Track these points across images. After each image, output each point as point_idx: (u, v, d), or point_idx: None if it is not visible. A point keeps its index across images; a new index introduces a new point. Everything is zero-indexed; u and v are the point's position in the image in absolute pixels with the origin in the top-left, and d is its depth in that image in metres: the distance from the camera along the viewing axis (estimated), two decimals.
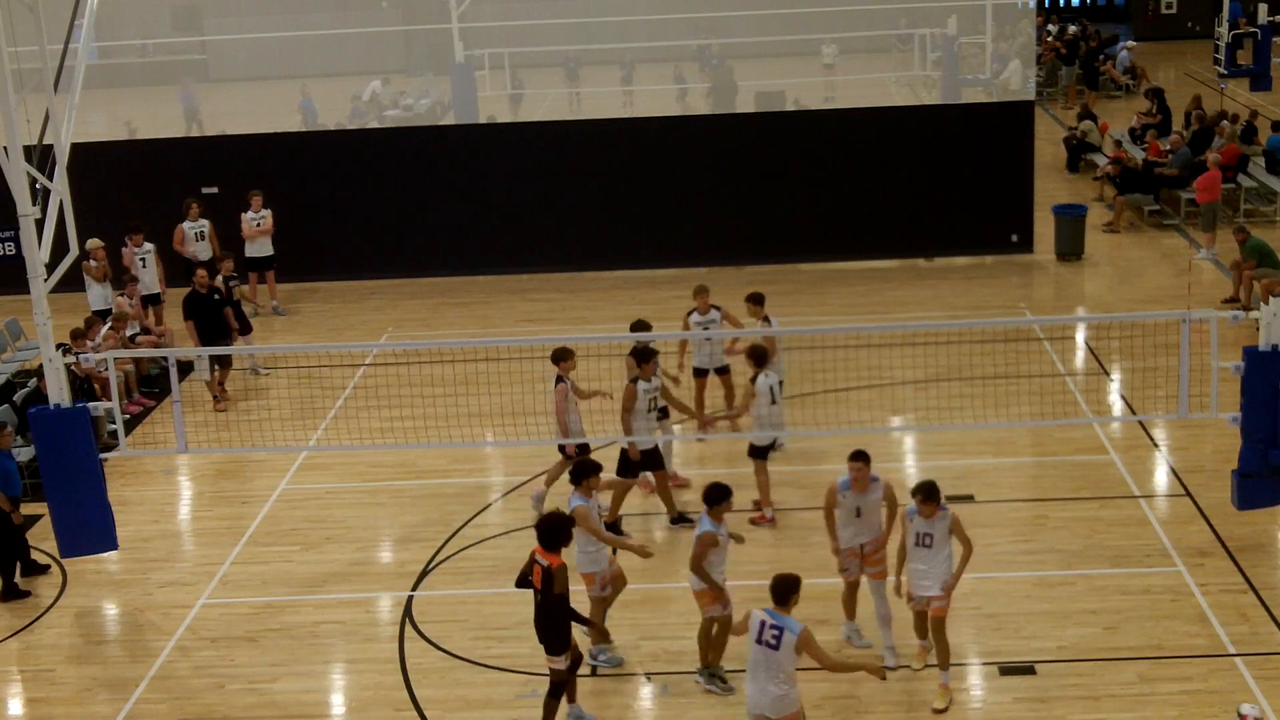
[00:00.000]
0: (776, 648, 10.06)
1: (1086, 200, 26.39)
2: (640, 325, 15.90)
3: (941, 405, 17.18)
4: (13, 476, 14.18)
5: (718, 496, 11.77)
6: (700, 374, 16.80)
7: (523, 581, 11.31)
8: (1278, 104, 33.17)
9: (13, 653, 13.18)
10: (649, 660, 12.47)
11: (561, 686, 11.28)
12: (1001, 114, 24.59)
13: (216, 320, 18.96)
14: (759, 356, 14.49)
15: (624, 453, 14.77)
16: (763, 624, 10.14)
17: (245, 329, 20.17)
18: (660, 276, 23.93)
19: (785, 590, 10.20)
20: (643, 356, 14.68)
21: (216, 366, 18.96)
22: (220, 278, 19.58)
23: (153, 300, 21.22)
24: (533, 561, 11.06)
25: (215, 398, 18.84)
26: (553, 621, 11.04)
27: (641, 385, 14.62)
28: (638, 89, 29.51)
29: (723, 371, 16.80)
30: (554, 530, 11.04)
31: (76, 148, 14.03)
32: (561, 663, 11.16)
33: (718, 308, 16.70)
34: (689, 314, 16.75)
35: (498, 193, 24.27)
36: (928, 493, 11.46)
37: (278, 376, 19.67)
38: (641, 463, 14.67)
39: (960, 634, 12.57)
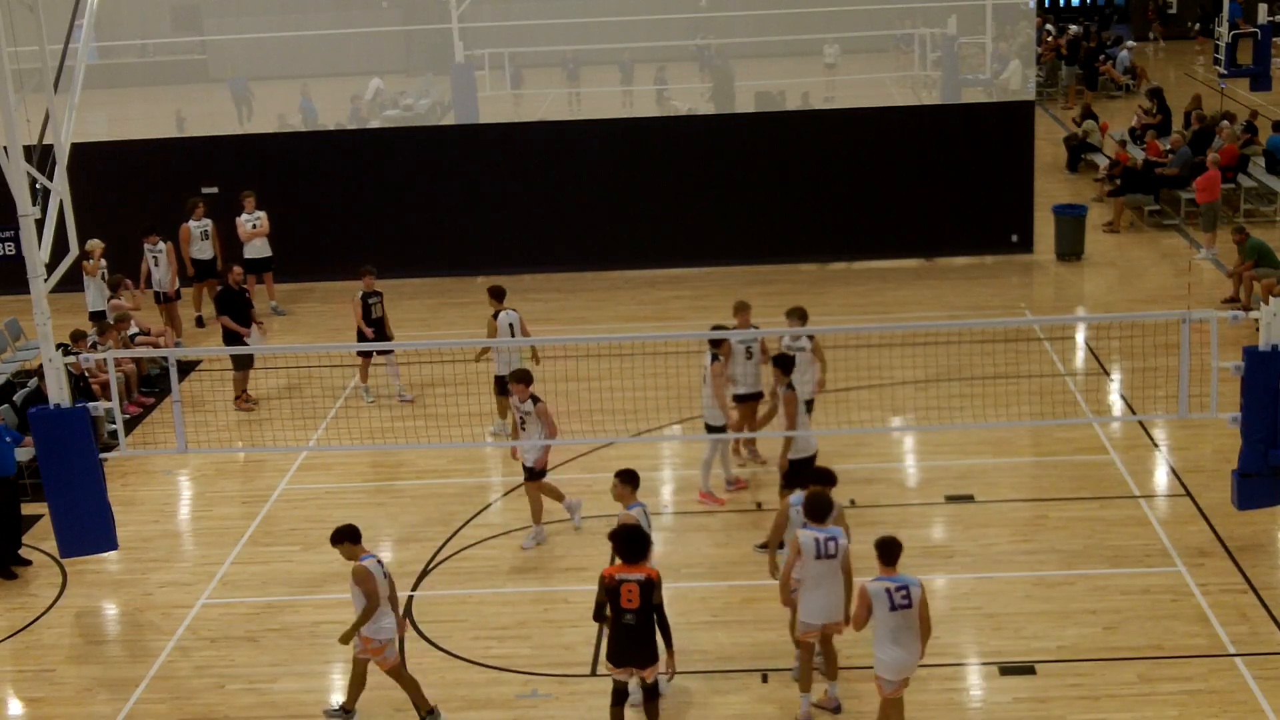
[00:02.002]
0: (910, 605, 10.25)
1: (1086, 200, 26.40)
2: (718, 326, 15.62)
3: (941, 405, 17.19)
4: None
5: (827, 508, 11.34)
6: (741, 400, 15.73)
7: (600, 613, 10.67)
8: (1278, 104, 33.17)
9: (13, 653, 13.17)
10: None
11: (625, 694, 10.95)
12: (1001, 114, 24.60)
13: (245, 320, 18.94)
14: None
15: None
16: (888, 590, 10.25)
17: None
18: (660, 276, 23.95)
19: (893, 551, 10.35)
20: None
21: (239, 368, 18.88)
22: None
23: (165, 299, 21.30)
24: (617, 583, 10.46)
25: (237, 396, 18.74)
26: (652, 633, 10.62)
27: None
28: (638, 89, 29.52)
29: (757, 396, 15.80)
30: (637, 542, 10.57)
31: (76, 148, 14.02)
32: (655, 672, 10.77)
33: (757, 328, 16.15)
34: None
35: (498, 193, 24.28)
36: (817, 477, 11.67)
37: (278, 377, 19.64)
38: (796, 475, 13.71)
39: (960, 634, 12.58)
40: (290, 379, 19.71)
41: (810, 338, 15.45)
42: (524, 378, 14.28)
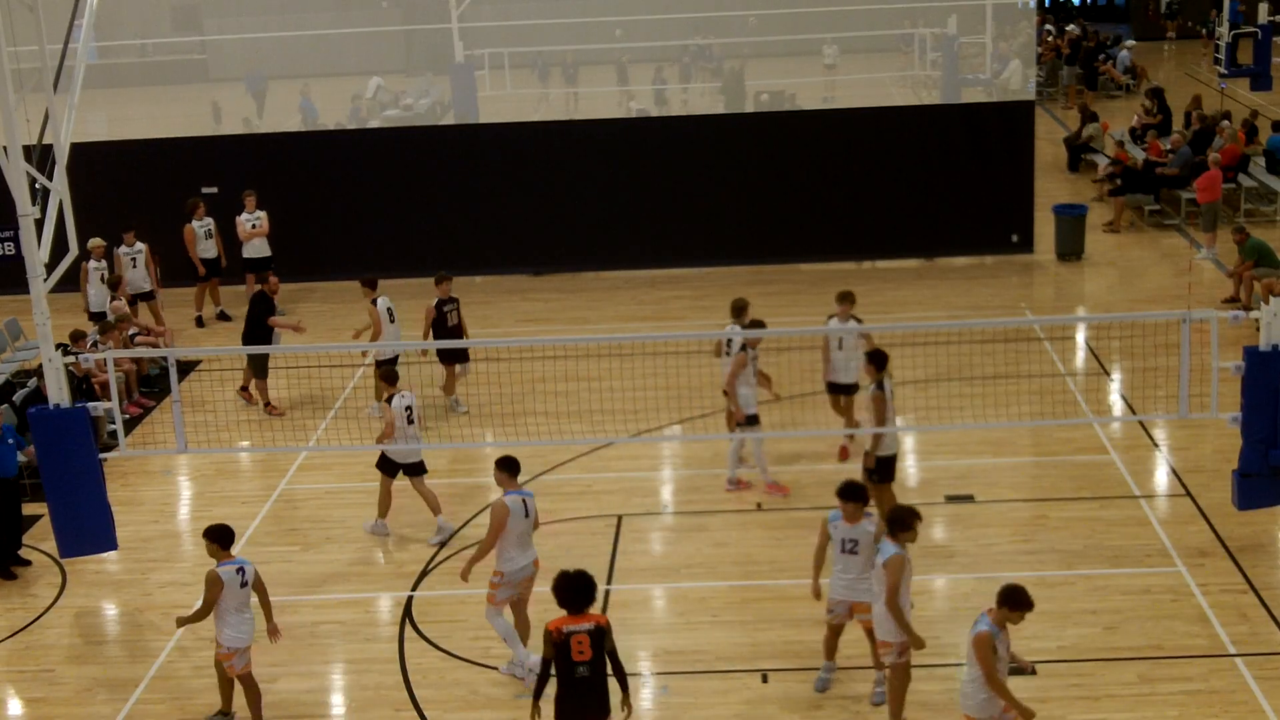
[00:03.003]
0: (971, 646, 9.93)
1: (1086, 200, 26.40)
2: (754, 322, 15.55)
3: (941, 405, 17.17)
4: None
5: (904, 520, 10.69)
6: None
7: (546, 672, 9.98)
8: (1278, 104, 33.17)
9: (13, 653, 13.17)
10: (649, 659, 12.46)
11: None
12: (1001, 114, 24.59)
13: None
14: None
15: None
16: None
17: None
18: (660, 276, 23.95)
19: (1002, 597, 9.77)
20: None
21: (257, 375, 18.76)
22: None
23: (145, 297, 21.28)
24: (565, 636, 9.78)
25: (267, 404, 18.67)
26: (606, 684, 9.95)
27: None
28: (637, 89, 29.51)
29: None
30: (582, 589, 9.88)
31: (76, 148, 14.02)
32: None
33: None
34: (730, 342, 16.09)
35: (498, 193, 24.28)
36: (849, 493, 11.20)
37: (277, 377, 19.62)
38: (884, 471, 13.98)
39: (960, 634, 12.53)
40: (290, 379, 19.68)
41: (858, 321, 16.12)
42: (389, 378, 14.64)
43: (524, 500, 11.93)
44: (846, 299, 16.04)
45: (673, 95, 29.13)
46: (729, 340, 15.67)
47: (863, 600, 11.26)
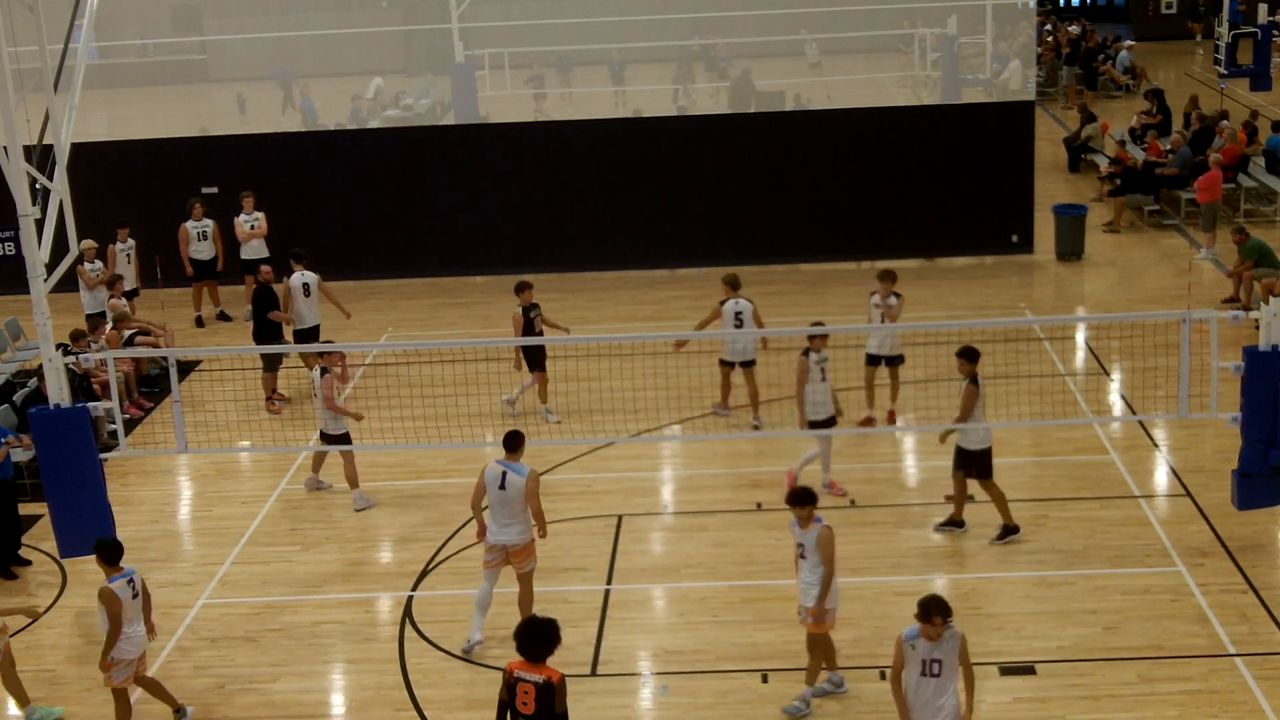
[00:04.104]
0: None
1: (1086, 200, 26.40)
2: (815, 323, 15.52)
3: (942, 405, 17.15)
4: None
5: (922, 610, 9.68)
6: (726, 365, 17.17)
7: (501, 714, 9.35)
8: (1278, 104, 33.17)
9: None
10: (649, 659, 12.47)
11: None
12: (1001, 114, 24.60)
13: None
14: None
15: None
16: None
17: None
18: (660, 276, 23.95)
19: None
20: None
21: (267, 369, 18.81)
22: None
23: (129, 295, 21.30)
24: (514, 681, 9.19)
25: (269, 398, 18.70)
26: None
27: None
28: (637, 89, 29.51)
29: (748, 365, 17.07)
30: (542, 637, 9.24)
31: (76, 148, 14.02)
32: None
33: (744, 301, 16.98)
34: (722, 302, 17.07)
35: (498, 193, 24.28)
36: (794, 499, 11.15)
37: (277, 377, 19.64)
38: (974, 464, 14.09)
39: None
40: (290, 379, 19.69)
41: (898, 296, 16.87)
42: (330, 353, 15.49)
43: (504, 472, 12.17)
44: (887, 277, 16.88)
45: (682, 95, 29.09)
46: (737, 314, 16.80)
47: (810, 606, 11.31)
